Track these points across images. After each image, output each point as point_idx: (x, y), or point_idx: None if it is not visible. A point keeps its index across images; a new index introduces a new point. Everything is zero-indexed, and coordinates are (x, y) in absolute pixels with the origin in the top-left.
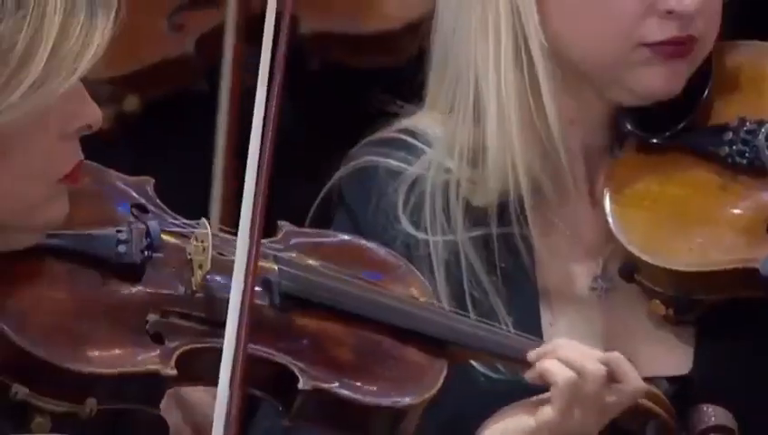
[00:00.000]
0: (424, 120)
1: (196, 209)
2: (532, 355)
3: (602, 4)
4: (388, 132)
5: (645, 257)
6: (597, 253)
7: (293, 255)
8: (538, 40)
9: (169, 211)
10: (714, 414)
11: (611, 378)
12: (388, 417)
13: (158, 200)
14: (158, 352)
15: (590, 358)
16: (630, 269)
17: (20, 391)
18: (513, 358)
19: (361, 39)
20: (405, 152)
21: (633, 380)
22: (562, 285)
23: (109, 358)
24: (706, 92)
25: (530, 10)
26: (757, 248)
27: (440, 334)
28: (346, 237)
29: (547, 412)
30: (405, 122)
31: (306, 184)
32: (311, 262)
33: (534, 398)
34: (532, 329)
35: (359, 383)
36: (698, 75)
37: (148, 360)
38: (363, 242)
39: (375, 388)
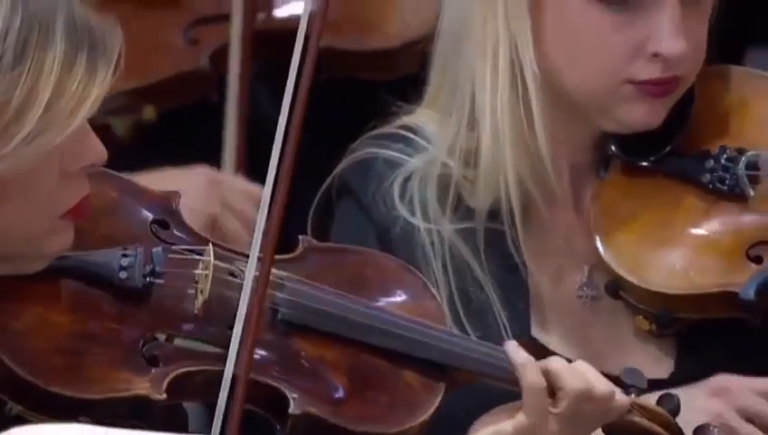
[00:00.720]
0: (422, 118)
1: None
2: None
3: (594, 44)
4: (388, 128)
5: (630, 279)
6: (582, 261)
7: (301, 279)
8: (532, 69)
9: (189, 226)
10: (715, 430)
11: (555, 386)
12: None
13: (181, 216)
14: (151, 375)
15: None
16: (616, 287)
17: (14, 407)
18: (511, 380)
19: (365, 55)
20: (403, 144)
21: (599, 389)
22: (550, 290)
23: (99, 382)
24: (690, 120)
25: (526, 42)
26: (737, 273)
27: (440, 359)
28: (364, 253)
29: (520, 418)
30: (405, 119)
31: (313, 186)
32: (318, 286)
33: (518, 402)
34: (523, 328)
35: (351, 410)
36: (682, 101)
37: (139, 385)
38: (381, 259)
39: (367, 415)
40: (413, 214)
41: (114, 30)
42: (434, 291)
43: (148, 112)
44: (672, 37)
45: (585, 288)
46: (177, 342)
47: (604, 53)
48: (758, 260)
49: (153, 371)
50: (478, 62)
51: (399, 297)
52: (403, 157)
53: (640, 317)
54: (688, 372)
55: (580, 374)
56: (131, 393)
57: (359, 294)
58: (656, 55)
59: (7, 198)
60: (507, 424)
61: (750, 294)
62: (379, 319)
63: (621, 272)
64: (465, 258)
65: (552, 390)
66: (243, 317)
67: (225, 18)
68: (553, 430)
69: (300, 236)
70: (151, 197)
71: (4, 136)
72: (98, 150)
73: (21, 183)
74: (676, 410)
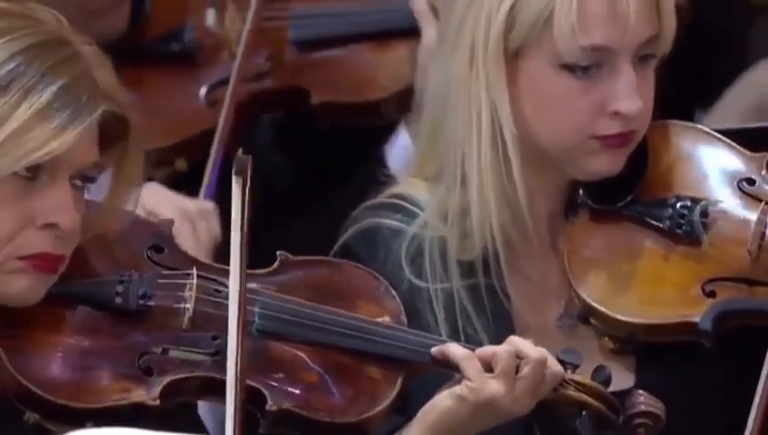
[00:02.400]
0: (411, 188)
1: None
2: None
3: (564, 106)
4: (382, 198)
5: (601, 309)
6: (560, 296)
7: (274, 292)
8: (510, 130)
9: (180, 249)
10: (643, 401)
11: (518, 355)
12: (351, 430)
13: (173, 240)
14: (147, 384)
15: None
16: (587, 315)
17: (31, 417)
18: (455, 367)
19: (359, 105)
20: (401, 214)
21: (535, 360)
22: (534, 323)
23: (100, 394)
24: (647, 171)
25: (503, 106)
26: (695, 306)
27: (397, 355)
28: (335, 264)
29: (460, 390)
30: (395, 189)
31: (310, 219)
32: (289, 297)
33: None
34: None
35: (321, 404)
36: (637, 151)
37: (135, 393)
38: (349, 268)
39: (335, 407)
40: (419, 275)
41: (99, 105)
42: (394, 293)
43: (180, 164)
44: (629, 98)
45: (563, 319)
46: (171, 353)
47: (573, 113)
48: (712, 295)
49: (148, 380)
50: (464, 127)
51: (365, 300)
52: (402, 225)
53: (606, 338)
54: (649, 382)
55: (536, 347)
56: (129, 402)
57: (327, 300)
58: (616, 114)
59: None
60: (451, 392)
61: (708, 325)
62: (342, 323)
63: (593, 304)
64: (465, 309)
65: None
66: (234, 330)
67: (252, 78)
68: (492, 396)
69: (278, 252)
70: (148, 226)
71: None
72: (65, 217)
73: None
74: (607, 381)
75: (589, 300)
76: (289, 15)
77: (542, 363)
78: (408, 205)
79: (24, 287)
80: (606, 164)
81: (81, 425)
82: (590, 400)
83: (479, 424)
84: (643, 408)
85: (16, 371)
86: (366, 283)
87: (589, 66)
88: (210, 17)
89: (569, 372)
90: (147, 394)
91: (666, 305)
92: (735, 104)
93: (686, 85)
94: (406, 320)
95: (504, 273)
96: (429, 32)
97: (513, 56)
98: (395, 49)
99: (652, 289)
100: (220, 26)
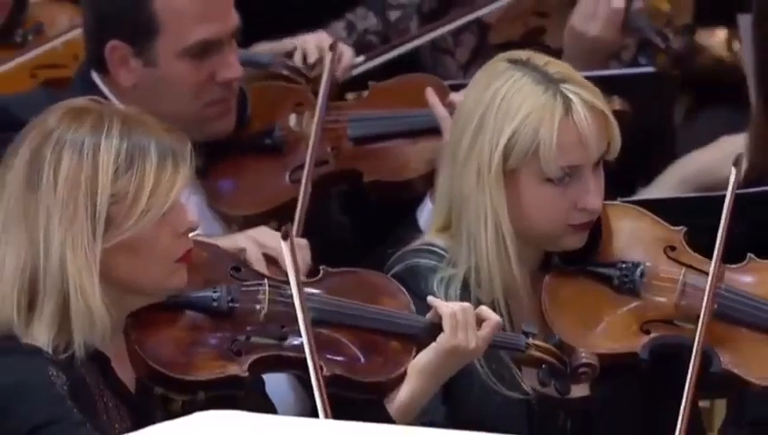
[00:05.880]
0: (436, 239)
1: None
2: (435, 303)
3: (546, 206)
4: (417, 245)
5: (566, 340)
6: (540, 329)
7: (321, 293)
8: (507, 226)
9: (253, 268)
10: (584, 355)
11: (478, 319)
12: (381, 386)
13: (247, 262)
14: (238, 362)
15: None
16: (560, 346)
17: (158, 390)
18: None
19: (398, 183)
20: (434, 257)
21: (490, 324)
22: None
23: (206, 369)
24: (601, 241)
25: (503, 211)
26: (635, 340)
27: (410, 332)
28: (362, 272)
29: (441, 338)
30: (426, 239)
31: (361, 259)
32: (332, 296)
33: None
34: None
35: (361, 368)
36: (594, 228)
37: (230, 368)
38: (371, 275)
39: (372, 370)
40: (447, 300)
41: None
42: (405, 290)
43: (272, 224)
44: (593, 196)
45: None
46: (253, 339)
47: (553, 211)
48: (648, 332)
49: (238, 359)
50: (474, 224)
51: (385, 296)
52: (435, 264)
53: None
54: (601, 393)
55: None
56: (226, 374)
57: (359, 297)
58: (584, 209)
59: (138, 254)
60: (426, 350)
61: (645, 354)
62: (370, 312)
63: (563, 337)
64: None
65: (479, 321)
66: (303, 321)
67: (321, 163)
68: (476, 345)
69: (320, 267)
70: (228, 254)
71: (127, 215)
72: (192, 219)
73: (145, 243)
74: (559, 345)
75: (559, 334)
76: (347, 119)
77: (497, 325)
78: (437, 250)
79: (184, 278)
80: (575, 241)
81: (194, 393)
82: (546, 356)
83: (451, 366)
84: (584, 360)
85: (147, 356)
86: (385, 284)
87: (564, 177)
88: (292, 120)
89: (530, 338)
90: (239, 369)
91: (615, 340)
92: (668, 180)
93: (630, 167)
94: (414, 309)
95: (503, 311)
96: (447, 133)
97: (509, 175)
98: (423, 142)
99: (605, 327)
100: (299, 127)
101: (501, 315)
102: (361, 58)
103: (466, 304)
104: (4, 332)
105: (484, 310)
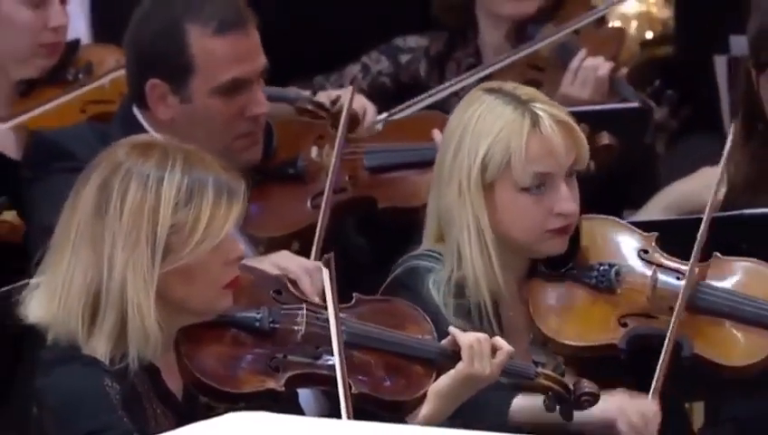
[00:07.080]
0: (432, 245)
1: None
2: (456, 334)
3: (524, 214)
4: (416, 252)
5: (554, 338)
6: (528, 329)
7: (353, 319)
8: (489, 233)
9: (293, 292)
10: (586, 385)
11: (493, 348)
12: (403, 405)
13: (288, 286)
14: (275, 378)
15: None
16: (545, 342)
17: (202, 399)
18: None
19: (408, 209)
20: (431, 260)
21: (503, 353)
22: (513, 347)
23: (247, 383)
24: (579, 248)
25: (484, 220)
26: (614, 333)
27: (431, 357)
28: (391, 300)
29: (459, 366)
30: (424, 245)
31: (376, 275)
32: (363, 322)
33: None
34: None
35: (387, 389)
36: (573, 235)
37: (269, 383)
38: (399, 303)
39: (396, 391)
40: (446, 306)
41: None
42: (428, 318)
43: (294, 245)
44: (567, 202)
45: (531, 344)
46: (290, 357)
47: (531, 218)
48: (625, 325)
49: (276, 375)
50: (459, 232)
51: (410, 323)
52: (431, 265)
53: (559, 356)
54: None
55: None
56: (265, 388)
57: (386, 323)
58: (559, 214)
59: (191, 279)
60: (446, 376)
61: (624, 344)
62: (396, 338)
63: (549, 334)
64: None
65: (494, 349)
66: (336, 344)
67: (339, 190)
68: (490, 372)
69: (353, 294)
70: (271, 278)
71: (184, 244)
72: (240, 250)
73: (198, 270)
74: (562, 373)
75: (546, 332)
76: (363, 151)
77: (509, 354)
78: (434, 254)
79: (230, 302)
80: (556, 247)
81: (235, 403)
82: (553, 385)
83: (467, 390)
84: (587, 389)
85: (194, 369)
86: (410, 312)
87: (538, 186)
88: (314, 152)
89: (539, 368)
90: (276, 384)
91: (595, 333)
92: (652, 208)
93: (616, 195)
94: (436, 336)
95: (491, 314)
96: None
97: (488, 187)
98: (432, 173)
99: (586, 323)
100: (320, 157)
101: (488, 318)
102: (384, 115)
103: (482, 335)
104: (70, 341)
105: (498, 340)
